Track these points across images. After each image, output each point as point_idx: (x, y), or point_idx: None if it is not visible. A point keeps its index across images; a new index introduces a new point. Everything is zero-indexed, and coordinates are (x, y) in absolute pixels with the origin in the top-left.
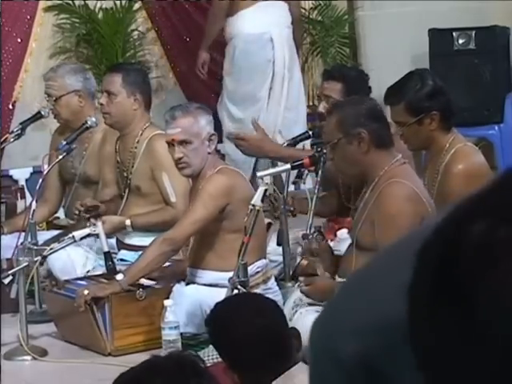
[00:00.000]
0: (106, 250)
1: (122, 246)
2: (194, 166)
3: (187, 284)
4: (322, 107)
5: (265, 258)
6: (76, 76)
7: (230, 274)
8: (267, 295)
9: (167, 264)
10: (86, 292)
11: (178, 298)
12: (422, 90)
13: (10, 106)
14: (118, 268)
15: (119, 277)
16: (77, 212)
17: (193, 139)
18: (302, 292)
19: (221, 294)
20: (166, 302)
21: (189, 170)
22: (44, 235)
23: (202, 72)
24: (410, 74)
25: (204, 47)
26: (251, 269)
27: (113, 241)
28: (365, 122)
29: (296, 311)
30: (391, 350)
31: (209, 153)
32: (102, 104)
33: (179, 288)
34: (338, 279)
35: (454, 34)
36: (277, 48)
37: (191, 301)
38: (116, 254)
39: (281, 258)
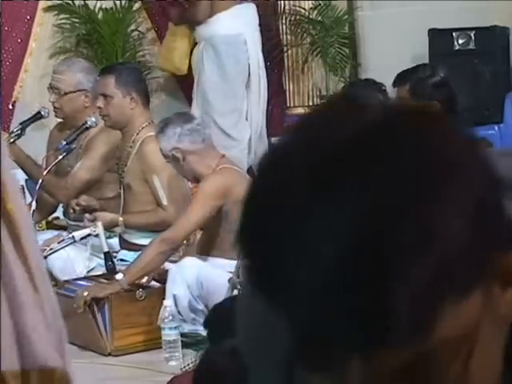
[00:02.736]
0: (105, 250)
1: (125, 245)
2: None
3: None
4: None
5: None
6: (88, 76)
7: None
8: None
9: None
10: (85, 293)
11: (175, 273)
12: (429, 79)
13: (10, 106)
14: (117, 268)
15: (119, 276)
16: (72, 211)
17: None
18: None
19: (218, 270)
20: (166, 302)
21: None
22: (44, 235)
23: None
24: (423, 64)
25: None
26: None
27: (113, 241)
28: None
29: None
30: None
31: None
32: (99, 107)
33: (175, 266)
34: None
35: (453, 34)
36: (250, 49)
37: (190, 272)
38: (117, 253)
39: None
